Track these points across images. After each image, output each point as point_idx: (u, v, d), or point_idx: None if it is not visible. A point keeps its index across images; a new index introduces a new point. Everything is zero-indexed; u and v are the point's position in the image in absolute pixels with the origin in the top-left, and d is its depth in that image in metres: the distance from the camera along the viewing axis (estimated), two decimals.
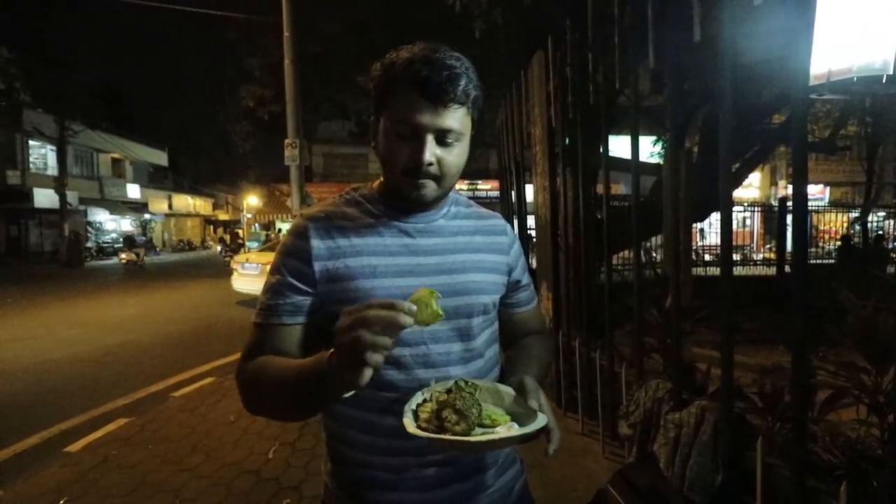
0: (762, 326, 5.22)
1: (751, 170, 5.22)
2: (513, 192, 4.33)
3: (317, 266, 0.80)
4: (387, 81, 0.78)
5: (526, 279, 1.00)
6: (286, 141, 7.04)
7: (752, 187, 19.65)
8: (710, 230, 11.14)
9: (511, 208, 4.46)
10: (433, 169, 0.78)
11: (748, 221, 14.65)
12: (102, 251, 24.24)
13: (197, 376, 4.60)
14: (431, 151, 0.77)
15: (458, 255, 0.87)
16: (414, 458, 0.80)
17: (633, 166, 2.00)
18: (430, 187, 0.80)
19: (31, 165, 22.40)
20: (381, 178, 0.88)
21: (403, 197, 0.82)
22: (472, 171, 19.37)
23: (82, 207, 23.92)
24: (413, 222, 0.86)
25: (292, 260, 0.82)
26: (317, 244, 0.81)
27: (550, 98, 3.03)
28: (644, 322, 2.92)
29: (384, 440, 0.80)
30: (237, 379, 0.80)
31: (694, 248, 11.82)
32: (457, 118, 0.78)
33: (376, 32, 8.68)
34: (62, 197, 20.42)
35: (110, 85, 24.05)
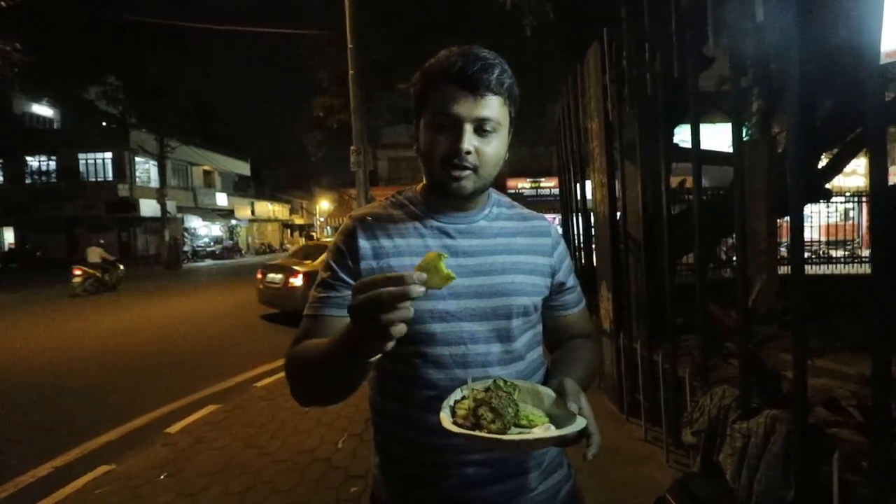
0: (868, 331, 4.63)
1: (853, 155, 4.65)
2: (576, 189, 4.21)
3: (363, 265, 0.84)
4: (425, 81, 0.82)
5: (571, 281, 0.97)
6: (351, 148, 7.38)
7: (856, 175, 17.41)
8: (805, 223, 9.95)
9: (571, 205, 4.34)
10: (471, 158, 0.79)
11: (852, 213, 12.93)
12: (197, 254, 26.79)
13: (277, 368, 4.96)
14: (469, 141, 0.78)
15: (498, 257, 0.87)
16: (454, 456, 0.81)
17: (694, 156, 1.87)
18: (469, 178, 0.81)
19: (137, 179, 25.37)
20: (424, 181, 0.90)
21: (443, 190, 0.83)
22: (535, 169, 19.03)
23: (179, 215, 26.63)
24: (454, 223, 0.87)
25: (341, 257, 0.86)
26: (363, 244, 0.85)
27: (607, 91, 2.92)
28: (723, 325, 2.73)
29: (425, 437, 0.81)
30: (285, 364, 0.84)
31: (784, 243, 10.72)
32: (493, 107, 0.79)
33: (436, 35, 8.84)
34: (163, 206, 22.90)
35: (200, 103, 26.57)
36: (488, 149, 0.81)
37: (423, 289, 0.58)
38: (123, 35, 18.23)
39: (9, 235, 25.55)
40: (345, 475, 2.74)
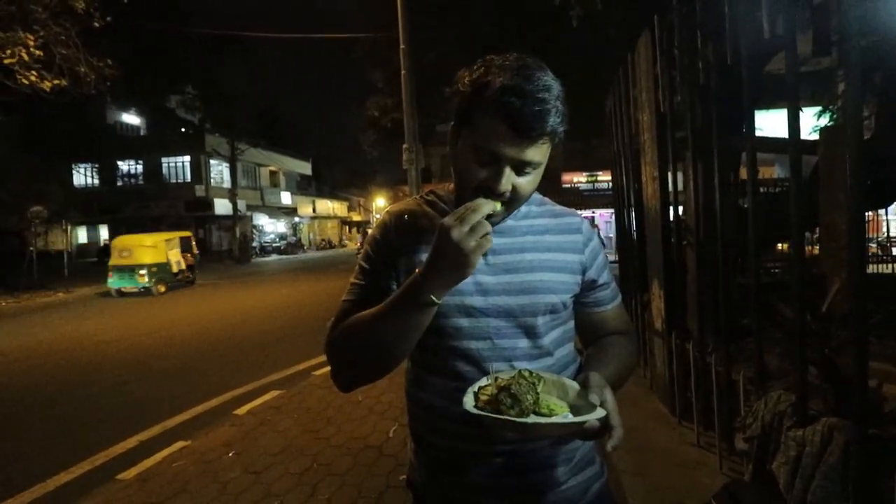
0: None
1: None
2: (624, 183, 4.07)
3: (397, 257, 0.89)
4: (476, 101, 0.79)
5: (604, 278, 0.96)
6: (403, 146, 7.55)
7: None
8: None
9: (624, 200, 4.19)
10: (507, 195, 0.80)
11: None
12: (264, 250, 28.51)
13: None
14: (508, 180, 0.79)
15: (526, 255, 0.88)
16: (483, 446, 0.84)
17: (749, 145, 1.76)
18: (500, 211, 0.83)
19: (211, 180, 27.35)
20: (456, 186, 0.92)
21: None
22: (591, 162, 18.35)
23: (248, 213, 28.44)
24: None
25: (380, 248, 0.91)
26: (396, 238, 0.90)
27: (658, 81, 2.79)
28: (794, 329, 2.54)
29: (454, 426, 0.84)
30: (326, 348, 0.88)
31: (877, 239, 9.65)
32: (540, 151, 0.78)
33: (487, 32, 8.82)
34: (234, 205, 24.58)
35: (266, 106, 28.12)
36: (525, 183, 0.81)
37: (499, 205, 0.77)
38: (198, 47, 19.71)
39: (104, 233, 28.48)
40: (395, 463, 2.84)
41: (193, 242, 13.74)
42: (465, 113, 0.81)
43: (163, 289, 11.87)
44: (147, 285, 11.42)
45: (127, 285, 11.54)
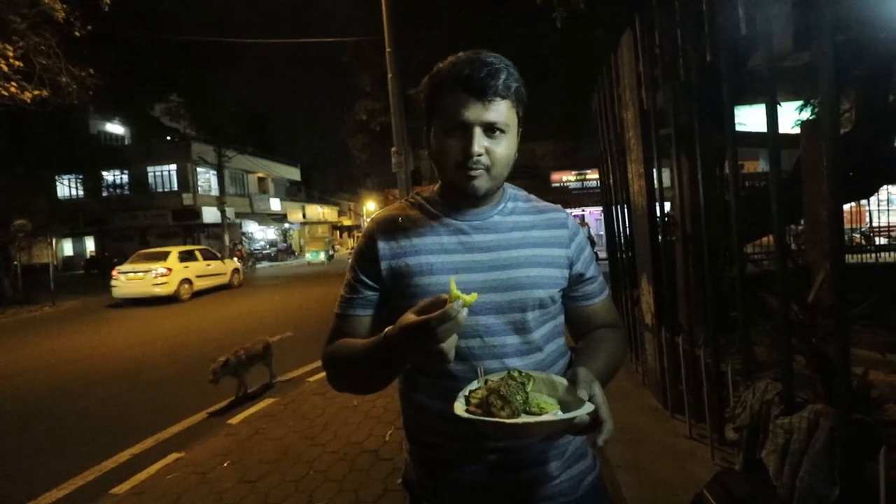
0: None
1: None
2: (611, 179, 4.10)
3: (383, 265, 0.90)
4: (434, 88, 0.86)
5: (592, 272, 0.97)
6: (392, 149, 7.55)
7: None
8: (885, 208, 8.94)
9: (611, 197, 4.23)
10: (483, 159, 0.83)
11: None
12: (254, 257, 28.21)
13: None
14: (480, 143, 0.82)
15: (513, 251, 0.89)
16: (477, 444, 0.86)
17: (729, 139, 1.80)
18: (482, 177, 0.85)
19: (199, 188, 27.05)
20: (439, 182, 0.95)
21: (458, 191, 0.88)
22: (580, 161, 18.52)
23: (237, 221, 28.16)
24: (469, 220, 0.91)
25: (364, 260, 0.93)
26: (382, 245, 0.91)
27: (641, 79, 2.83)
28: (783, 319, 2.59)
29: (447, 425, 0.84)
30: (322, 360, 0.93)
31: (862, 229, 9.82)
32: (500, 111, 0.82)
33: (474, 33, 8.87)
34: (222, 213, 24.34)
35: (254, 113, 27.85)
36: (499, 149, 0.84)
37: (466, 311, 0.67)
38: (183, 54, 19.51)
39: (90, 244, 28.03)
40: (392, 466, 2.83)
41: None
42: (430, 104, 0.87)
43: (327, 261, 25.35)
44: (324, 259, 25.57)
45: (315, 259, 25.66)
